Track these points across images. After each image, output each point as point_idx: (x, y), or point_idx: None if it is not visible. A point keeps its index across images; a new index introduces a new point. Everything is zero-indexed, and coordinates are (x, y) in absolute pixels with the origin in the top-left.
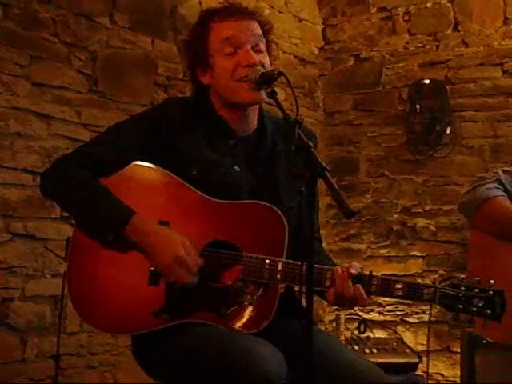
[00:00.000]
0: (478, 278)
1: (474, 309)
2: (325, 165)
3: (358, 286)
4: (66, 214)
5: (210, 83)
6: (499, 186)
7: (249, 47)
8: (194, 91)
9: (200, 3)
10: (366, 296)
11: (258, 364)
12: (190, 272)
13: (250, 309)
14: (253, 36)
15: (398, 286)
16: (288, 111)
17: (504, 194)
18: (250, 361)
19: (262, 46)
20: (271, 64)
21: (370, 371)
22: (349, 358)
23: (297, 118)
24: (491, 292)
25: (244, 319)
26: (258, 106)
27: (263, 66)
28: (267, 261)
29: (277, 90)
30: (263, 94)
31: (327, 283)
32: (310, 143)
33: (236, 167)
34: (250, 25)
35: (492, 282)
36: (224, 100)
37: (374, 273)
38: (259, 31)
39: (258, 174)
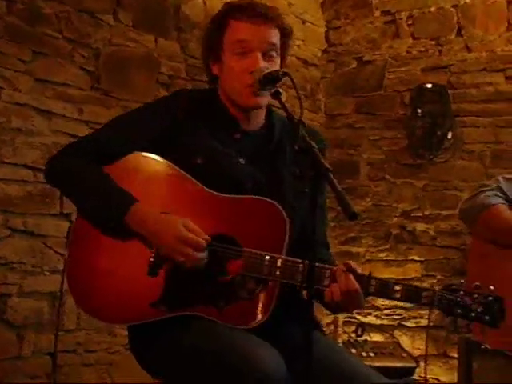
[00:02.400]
0: (477, 283)
1: (473, 314)
2: (328, 166)
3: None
4: (66, 211)
5: (219, 75)
6: (499, 194)
7: (259, 54)
8: (208, 82)
9: (204, 3)
10: (359, 288)
11: (256, 364)
12: (197, 248)
13: (248, 304)
14: (266, 43)
15: (397, 287)
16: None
17: (504, 201)
18: (249, 361)
19: (274, 54)
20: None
21: (371, 377)
22: (352, 363)
23: (300, 118)
24: (490, 298)
25: (242, 314)
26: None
27: None
28: (267, 257)
29: (281, 90)
30: (267, 96)
31: (326, 282)
32: (313, 144)
33: (241, 159)
34: (266, 31)
35: (492, 287)
36: (227, 96)
37: (372, 274)
38: (275, 38)
39: (263, 169)
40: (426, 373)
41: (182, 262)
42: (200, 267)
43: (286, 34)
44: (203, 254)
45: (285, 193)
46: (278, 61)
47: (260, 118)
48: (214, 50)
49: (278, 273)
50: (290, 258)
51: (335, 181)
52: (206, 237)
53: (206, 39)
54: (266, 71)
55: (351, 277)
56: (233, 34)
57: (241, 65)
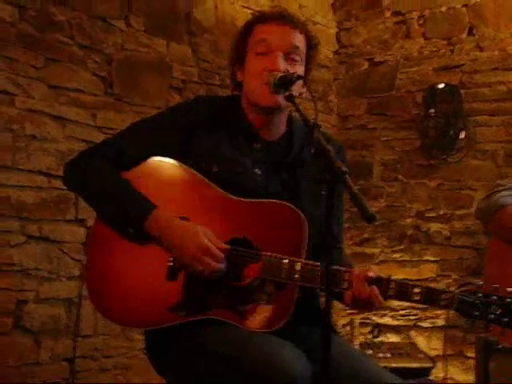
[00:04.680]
0: (495, 285)
1: (492, 316)
2: (344, 168)
3: (374, 287)
4: (81, 217)
5: (242, 80)
6: None
7: (280, 54)
8: (231, 89)
9: (215, 7)
10: (381, 299)
11: (282, 366)
12: (216, 259)
13: (267, 308)
14: (288, 44)
15: (416, 290)
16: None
17: None
18: (274, 363)
19: (297, 58)
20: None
21: (384, 377)
22: (373, 368)
23: (315, 121)
24: (509, 300)
25: (260, 318)
26: (285, 112)
27: None
28: (285, 260)
29: (295, 93)
30: (283, 99)
31: (345, 285)
32: (329, 147)
33: (256, 170)
34: (290, 33)
35: (509, 289)
36: (249, 100)
37: (391, 277)
38: (299, 43)
39: (280, 180)
40: (446, 373)
41: (201, 271)
42: (217, 276)
43: (312, 44)
44: (222, 265)
45: (303, 204)
46: (301, 67)
47: (280, 126)
48: (238, 55)
49: (296, 276)
50: (309, 262)
51: (352, 183)
52: (226, 246)
53: (233, 46)
54: (281, 74)
55: (365, 283)
56: (256, 35)
57: (261, 63)
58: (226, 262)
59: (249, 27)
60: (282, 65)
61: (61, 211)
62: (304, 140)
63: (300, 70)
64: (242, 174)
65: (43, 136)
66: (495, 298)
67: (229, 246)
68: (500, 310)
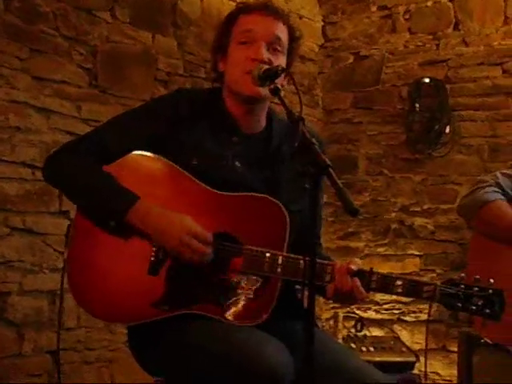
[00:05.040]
0: (477, 277)
1: (473, 307)
2: (328, 162)
3: (356, 279)
4: (65, 209)
5: (224, 70)
6: (498, 190)
7: (263, 44)
8: (212, 80)
9: None
10: (363, 291)
11: (265, 360)
12: (206, 242)
13: (249, 302)
14: (271, 34)
15: (399, 282)
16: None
17: (502, 197)
18: (257, 357)
19: (279, 48)
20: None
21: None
22: (357, 363)
23: (300, 115)
24: (490, 291)
25: (243, 312)
26: (266, 105)
27: (271, 65)
28: (268, 254)
29: (280, 86)
30: (266, 91)
31: (327, 278)
32: (314, 140)
33: (237, 163)
34: (273, 23)
35: (492, 281)
36: (231, 90)
37: (374, 269)
38: (282, 34)
39: (260, 174)
40: (426, 367)
41: (190, 257)
42: (206, 263)
43: (294, 36)
44: (210, 249)
45: (281, 196)
46: (283, 58)
47: (261, 120)
48: (221, 45)
49: (279, 270)
50: (291, 255)
51: (336, 177)
52: (209, 234)
53: (216, 36)
54: (266, 67)
55: (347, 276)
56: (240, 25)
57: (244, 53)
58: (211, 248)
59: (232, 17)
60: (265, 54)
61: (44, 203)
62: (284, 134)
63: (282, 60)
64: (222, 167)
65: (27, 127)
66: (477, 289)
67: (211, 235)
68: (482, 301)
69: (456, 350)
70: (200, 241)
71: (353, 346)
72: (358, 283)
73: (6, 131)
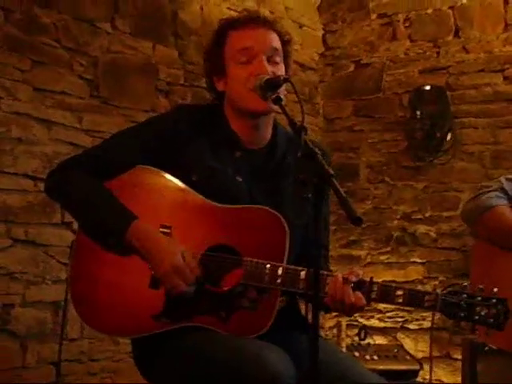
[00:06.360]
0: (481, 286)
1: (477, 317)
2: (331, 171)
3: (357, 293)
4: (67, 220)
5: (224, 90)
6: (502, 195)
7: (263, 58)
8: (212, 98)
9: (201, 9)
10: (365, 302)
11: (267, 367)
12: (187, 281)
13: (250, 313)
14: (269, 47)
15: (399, 292)
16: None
17: (506, 202)
18: (259, 364)
19: (278, 59)
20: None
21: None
22: (360, 371)
23: (302, 124)
24: (494, 300)
25: (243, 324)
26: (271, 119)
27: None
28: (268, 265)
29: (282, 96)
30: (271, 102)
31: (327, 289)
32: (317, 150)
33: (238, 177)
34: (267, 35)
35: (495, 290)
36: (235, 108)
37: (374, 279)
38: (276, 43)
39: (262, 188)
40: (431, 375)
41: (169, 289)
42: (187, 296)
43: (285, 40)
44: (191, 288)
45: (285, 210)
46: (283, 67)
47: (266, 134)
48: (216, 66)
49: (279, 281)
50: (291, 266)
51: (339, 186)
52: (198, 272)
53: (207, 56)
54: (267, 77)
55: (349, 288)
56: (234, 43)
57: (246, 70)
58: (194, 287)
59: (221, 35)
60: (269, 68)
61: (47, 214)
62: (287, 146)
63: (282, 70)
64: (223, 182)
65: (29, 139)
66: (480, 298)
67: (200, 273)
68: (485, 311)
69: (460, 357)
70: (182, 278)
71: (356, 354)
72: (360, 296)
73: (7, 143)
